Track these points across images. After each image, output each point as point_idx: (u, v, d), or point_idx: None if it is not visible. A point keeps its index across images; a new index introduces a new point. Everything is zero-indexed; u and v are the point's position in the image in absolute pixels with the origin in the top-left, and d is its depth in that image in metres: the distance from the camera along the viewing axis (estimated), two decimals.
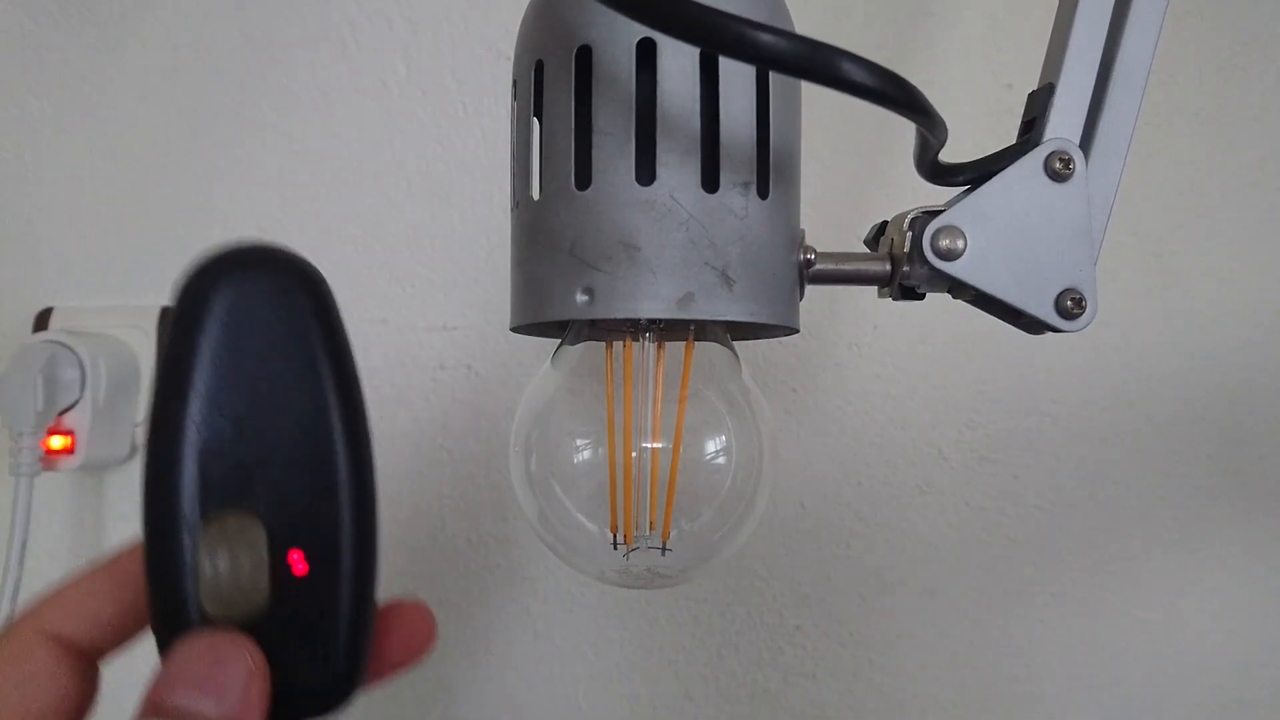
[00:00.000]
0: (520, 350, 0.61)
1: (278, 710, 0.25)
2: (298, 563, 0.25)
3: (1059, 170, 0.33)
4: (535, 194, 0.32)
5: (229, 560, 0.25)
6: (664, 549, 0.36)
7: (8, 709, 0.24)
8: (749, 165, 0.31)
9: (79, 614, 0.26)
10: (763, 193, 0.32)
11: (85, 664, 0.25)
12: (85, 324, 0.60)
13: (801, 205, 0.34)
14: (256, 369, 0.26)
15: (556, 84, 0.31)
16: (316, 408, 0.26)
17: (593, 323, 0.36)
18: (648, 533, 0.36)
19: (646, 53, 0.30)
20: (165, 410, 0.26)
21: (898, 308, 0.60)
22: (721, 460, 0.36)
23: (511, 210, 0.34)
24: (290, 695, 0.25)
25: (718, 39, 0.26)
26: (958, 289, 0.34)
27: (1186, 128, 0.60)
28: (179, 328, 0.26)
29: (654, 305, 0.30)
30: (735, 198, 0.31)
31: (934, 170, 0.35)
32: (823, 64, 0.27)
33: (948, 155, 0.35)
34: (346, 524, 0.26)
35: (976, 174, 0.34)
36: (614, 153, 0.30)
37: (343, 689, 0.26)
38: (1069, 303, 0.33)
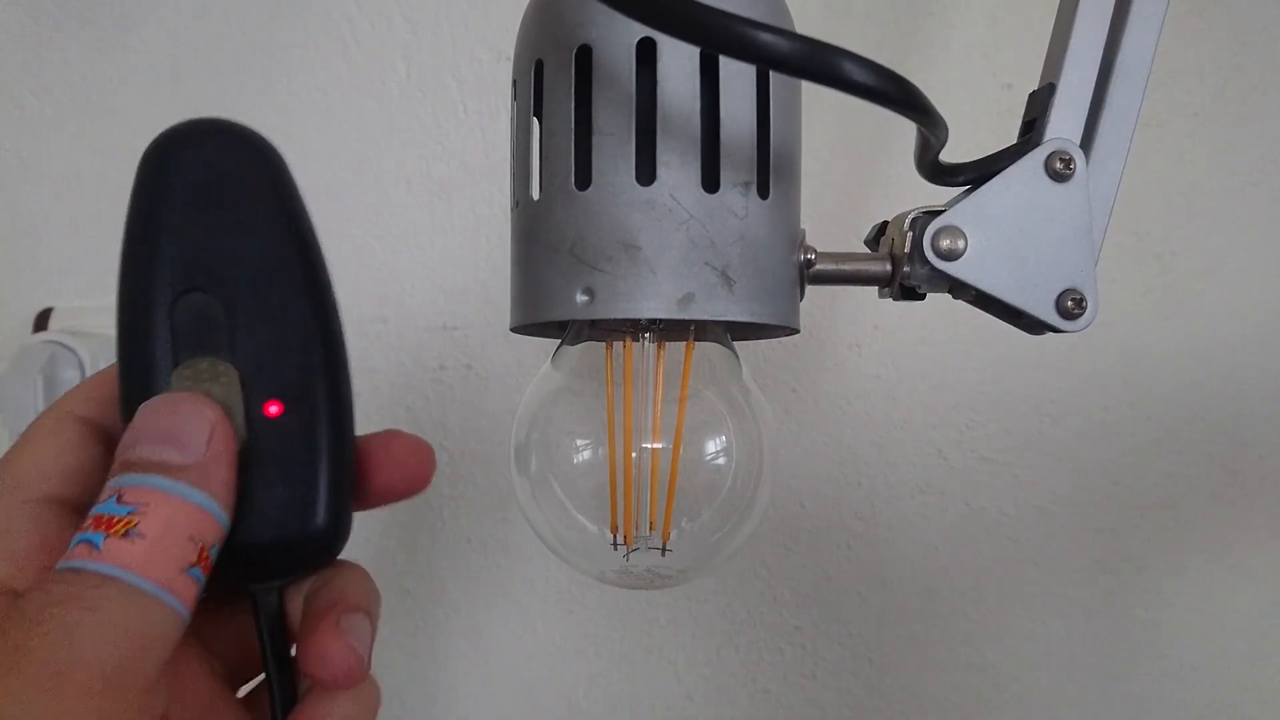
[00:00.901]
0: (520, 350, 0.61)
1: (262, 563, 0.26)
2: (271, 406, 0.26)
3: (1059, 170, 0.33)
4: (535, 194, 0.32)
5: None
6: (664, 549, 0.36)
7: (44, 473, 0.26)
8: (749, 165, 0.31)
9: (98, 399, 0.28)
10: (763, 193, 0.32)
11: (105, 435, 0.27)
12: (85, 324, 0.60)
13: (801, 205, 0.34)
14: (219, 230, 0.27)
15: (556, 84, 0.31)
16: (279, 263, 0.27)
17: (593, 323, 0.36)
18: (648, 533, 0.36)
19: (646, 53, 0.30)
20: (133, 270, 0.26)
21: (898, 308, 0.60)
22: (721, 460, 0.36)
23: (511, 210, 0.34)
24: (274, 546, 0.26)
25: (718, 39, 0.26)
26: (958, 289, 0.34)
27: (1186, 128, 0.60)
28: (141, 194, 0.27)
29: (654, 305, 0.30)
30: (735, 198, 0.31)
31: (934, 170, 0.35)
32: (823, 64, 0.27)
33: (948, 155, 0.35)
34: (317, 369, 0.27)
35: (977, 174, 0.34)
36: (614, 153, 0.30)
37: (326, 540, 0.26)
38: (1069, 303, 0.33)
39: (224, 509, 0.25)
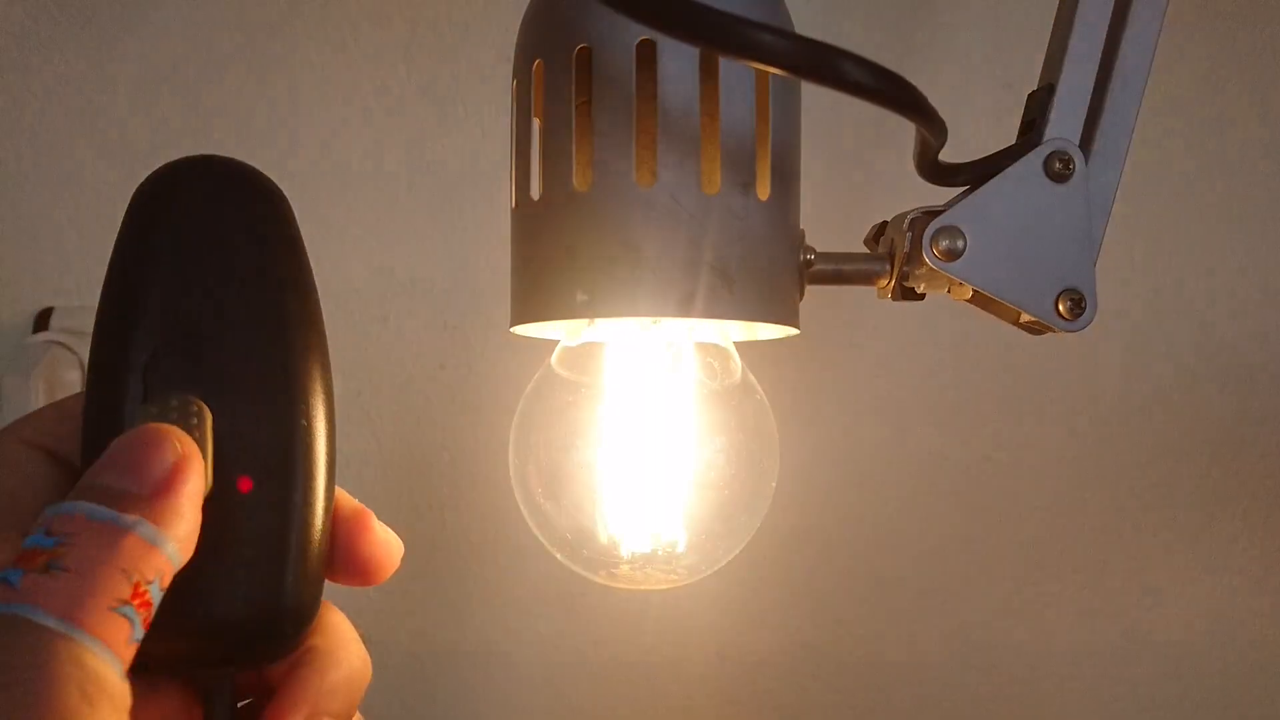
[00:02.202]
0: (520, 350, 0.61)
1: (213, 646, 0.23)
2: (243, 482, 0.24)
3: (1059, 170, 0.33)
4: (535, 194, 0.32)
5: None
6: (664, 550, 0.36)
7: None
8: (749, 165, 0.31)
9: (53, 432, 0.25)
10: (763, 193, 0.32)
11: (62, 465, 0.25)
12: (85, 324, 0.60)
13: (801, 205, 0.34)
14: (208, 283, 0.25)
15: (556, 84, 0.31)
16: (268, 327, 0.25)
17: (593, 322, 0.36)
18: (648, 534, 0.36)
19: (646, 53, 0.30)
20: (108, 321, 0.25)
21: (898, 308, 0.60)
22: (722, 461, 0.36)
23: (511, 210, 0.34)
24: (229, 627, 0.23)
25: (718, 39, 0.26)
26: (958, 289, 0.34)
27: (1186, 128, 0.60)
28: (128, 236, 0.25)
29: (654, 305, 0.30)
30: (735, 198, 0.31)
31: (934, 170, 0.35)
32: (823, 64, 0.27)
33: (948, 155, 0.35)
34: (297, 446, 0.24)
35: (976, 174, 0.34)
36: (614, 153, 0.30)
37: (286, 626, 0.24)
38: (1069, 303, 0.33)
39: (173, 541, 0.22)
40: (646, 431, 0.36)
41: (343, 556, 0.26)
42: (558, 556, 0.38)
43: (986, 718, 0.63)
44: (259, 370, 0.24)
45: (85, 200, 0.62)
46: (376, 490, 0.60)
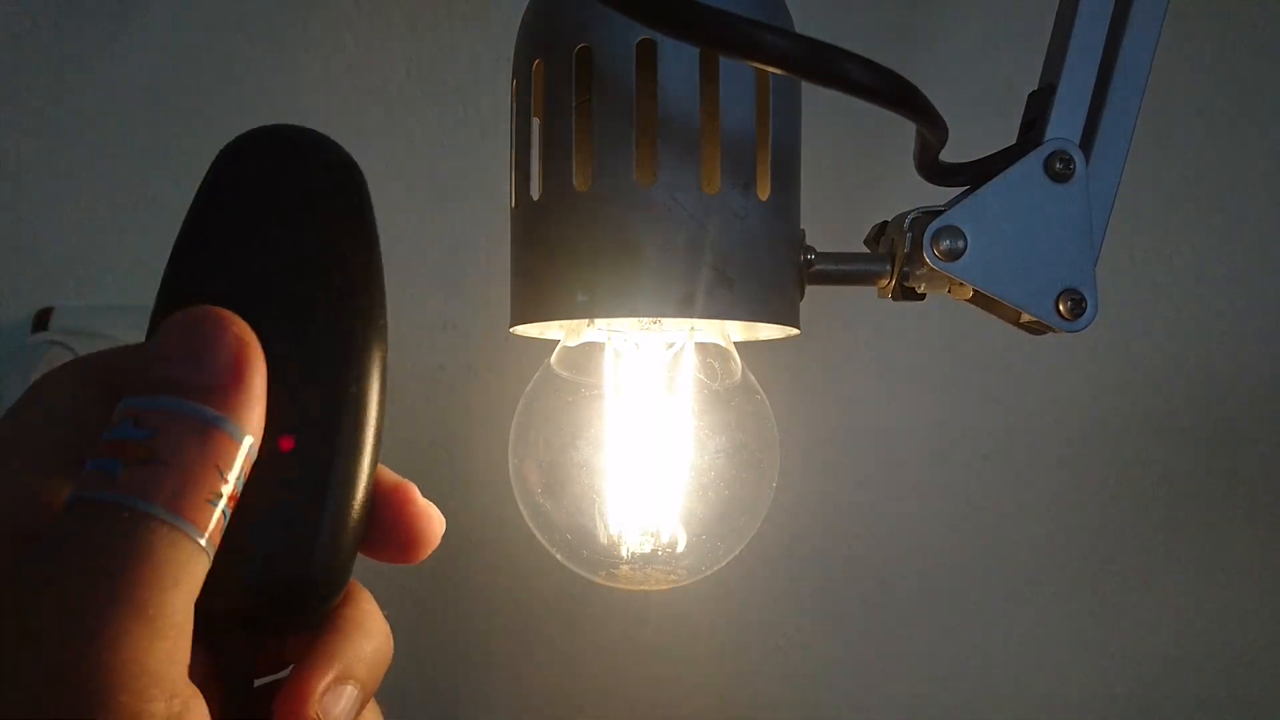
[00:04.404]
0: (520, 350, 0.61)
1: (235, 606, 0.23)
2: (285, 440, 0.23)
3: (1059, 171, 0.33)
4: (535, 194, 0.32)
5: None
6: (664, 550, 0.36)
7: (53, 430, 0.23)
8: (749, 165, 0.31)
9: (118, 368, 0.24)
10: (763, 193, 0.32)
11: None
12: (85, 324, 0.60)
13: (801, 205, 0.34)
14: (279, 243, 0.25)
15: (556, 84, 0.31)
16: (331, 291, 0.24)
17: (593, 322, 0.36)
18: (648, 534, 0.36)
19: (646, 53, 0.30)
20: (180, 263, 0.25)
21: (897, 308, 0.60)
22: (722, 460, 0.36)
23: (511, 210, 0.34)
24: (253, 589, 0.23)
25: (718, 39, 0.26)
26: (958, 289, 0.34)
27: (1186, 128, 0.60)
28: (212, 189, 0.25)
29: (654, 305, 0.30)
30: (735, 198, 0.31)
31: (934, 170, 0.35)
32: (823, 64, 0.27)
33: (948, 155, 0.35)
34: (346, 408, 0.24)
35: (976, 174, 0.34)
36: (614, 153, 0.30)
37: (313, 593, 0.23)
38: (1069, 303, 0.33)
39: (251, 435, 0.22)
40: (646, 431, 0.36)
41: (384, 528, 0.25)
42: (558, 556, 0.38)
43: (986, 717, 0.63)
44: (316, 332, 0.24)
45: (85, 200, 0.62)
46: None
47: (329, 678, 0.24)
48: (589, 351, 0.37)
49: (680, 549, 0.37)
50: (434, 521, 0.26)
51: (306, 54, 0.61)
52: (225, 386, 0.22)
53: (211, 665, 0.25)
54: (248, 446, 0.22)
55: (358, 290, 0.25)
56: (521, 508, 0.38)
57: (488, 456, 0.61)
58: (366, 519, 0.24)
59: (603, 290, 0.30)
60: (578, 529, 0.36)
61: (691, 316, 0.30)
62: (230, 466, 0.21)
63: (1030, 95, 0.36)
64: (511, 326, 0.34)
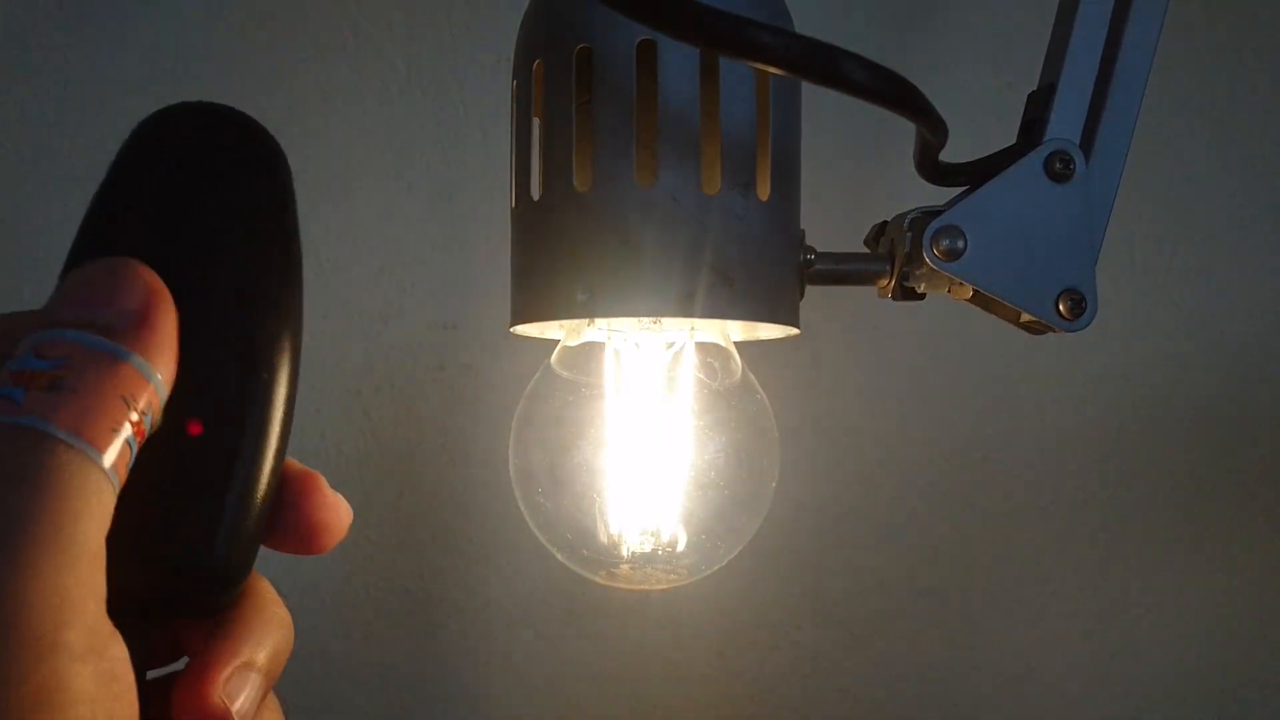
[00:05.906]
0: (520, 350, 0.61)
1: (131, 591, 0.21)
2: (193, 425, 0.23)
3: (1059, 171, 0.33)
4: (535, 194, 0.32)
5: None
6: (664, 550, 0.36)
7: None
8: (749, 165, 0.31)
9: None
10: (763, 193, 0.32)
11: None
12: None
13: (801, 205, 0.34)
14: (194, 218, 0.24)
15: (556, 84, 0.31)
16: (247, 271, 0.24)
17: (593, 322, 0.36)
18: (648, 534, 0.36)
19: (646, 53, 0.30)
20: (90, 228, 0.24)
21: (897, 307, 0.60)
22: (722, 461, 0.36)
23: (511, 210, 0.34)
24: (151, 573, 0.22)
25: (718, 39, 0.26)
26: (958, 289, 0.34)
27: (1186, 128, 0.60)
28: (125, 159, 0.24)
29: (654, 305, 0.30)
30: (735, 198, 0.31)
31: (934, 170, 0.35)
32: (823, 64, 0.27)
33: (948, 155, 0.35)
34: (256, 395, 0.23)
35: (976, 174, 0.34)
36: (614, 153, 0.30)
37: (214, 580, 0.23)
38: (1069, 303, 0.33)
39: (160, 374, 0.21)
40: (646, 431, 0.36)
41: (289, 518, 0.25)
42: (558, 556, 0.38)
43: (986, 717, 0.63)
44: (227, 317, 0.23)
45: (85, 200, 0.62)
46: (376, 490, 0.60)
47: (234, 664, 0.23)
48: (589, 351, 0.37)
49: (680, 548, 0.37)
50: (341, 513, 0.25)
51: (307, 54, 0.61)
52: (135, 325, 0.21)
53: None
54: (157, 385, 0.21)
55: (274, 277, 0.24)
56: (522, 507, 0.38)
57: (488, 456, 0.61)
58: (270, 506, 0.24)
59: (603, 290, 0.30)
60: (578, 528, 0.37)
61: (691, 316, 0.30)
62: (138, 400, 0.21)
63: (1030, 95, 0.36)
64: (511, 326, 0.34)
